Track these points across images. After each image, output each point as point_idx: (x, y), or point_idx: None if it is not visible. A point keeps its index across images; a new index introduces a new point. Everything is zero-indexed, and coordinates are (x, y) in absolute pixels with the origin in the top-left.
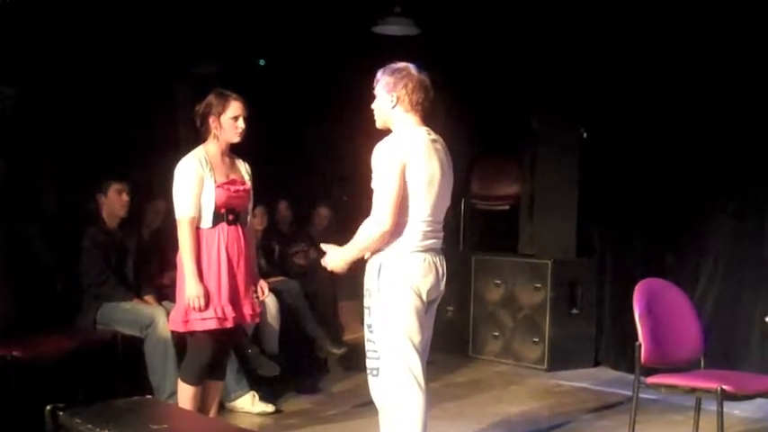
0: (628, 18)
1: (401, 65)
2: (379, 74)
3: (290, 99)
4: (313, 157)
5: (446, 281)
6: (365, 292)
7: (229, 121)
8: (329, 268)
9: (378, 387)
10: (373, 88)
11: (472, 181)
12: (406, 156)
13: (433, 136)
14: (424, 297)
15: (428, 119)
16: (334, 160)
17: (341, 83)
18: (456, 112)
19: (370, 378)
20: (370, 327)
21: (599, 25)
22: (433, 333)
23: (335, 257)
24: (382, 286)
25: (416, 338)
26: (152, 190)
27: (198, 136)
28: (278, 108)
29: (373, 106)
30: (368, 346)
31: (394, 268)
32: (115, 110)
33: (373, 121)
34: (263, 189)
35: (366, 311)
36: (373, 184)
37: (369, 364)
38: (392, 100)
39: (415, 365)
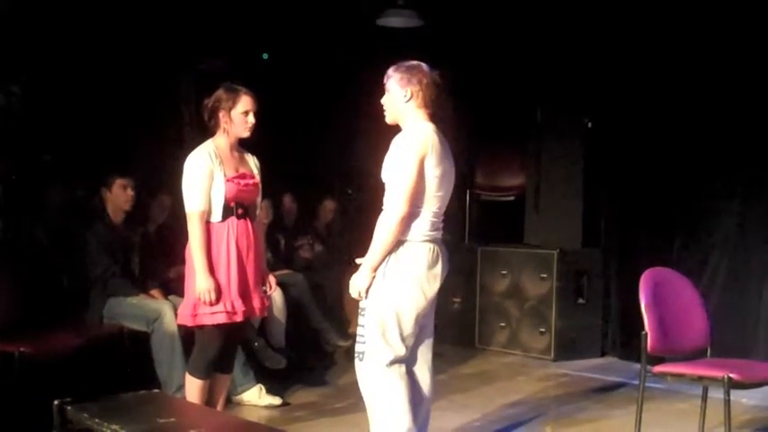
0: (632, 8)
1: (414, 62)
2: (392, 70)
3: (294, 92)
4: (318, 150)
5: (452, 272)
6: None
7: (240, 116)
8: (353, 292)
9: (362, 371)
10: (383, 84)
11: (477, 172)
12: (426, 150)
13: (439, 133)
14: (429, 286)
15: (437, 117)
16: (339, 153)
17: (345, 75)
18: (461, 103)
19: (356, 362)
20: (363, 310)
21: (603, 16)
22: (440, 325)
23: (359, 272)
24: (388, 273)
25: (407, 330)
26: (157, 185)
27: (203, 130)
28: (282, 101)
29: (383, 101)
30: (358, 330)
31: (403, 257)
32: (119, 105)
33: (378, 113)
34: (268, 182)
35: (364, 294)
36: (385, 177)
37: (357, 347)
38: (406, 95)
39: (400, 356)
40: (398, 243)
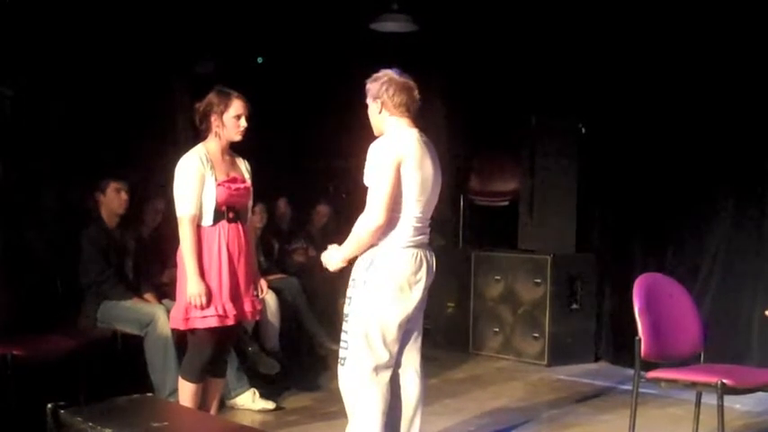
0: (626, 13)
1: (382, 72)
2: (366, 85)
3: (288, 96)
4: (312, 154)
5: (446, 277)
6: (350, 283)
7: (232, 120)
8: (326, 265)
9: (343, 377)
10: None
11: (471, 177)
12: (402, 155)
13: (424, 138)
14: (412, 292)
15: (419, 119)
16: (332, 157)
17: (339, 80)
18: (454, 108)
19: (339, 367)
20: (347, 317)
21: (597, 20)
22: (433, 329)
23: (333, 255)
24: (369, 279)
25: (390, 336)
26: (151, 189)
27: (196, 134)
28: (276, 105)
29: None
30: (342, 335)
31: (385, 263)
32: (113, 109)
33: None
34: (263, 187)
35: (347, 301)
36: (366, 182)
37: (340, 353)
38: (377, 106)
39: (383, 362)
40: (381, 249)
